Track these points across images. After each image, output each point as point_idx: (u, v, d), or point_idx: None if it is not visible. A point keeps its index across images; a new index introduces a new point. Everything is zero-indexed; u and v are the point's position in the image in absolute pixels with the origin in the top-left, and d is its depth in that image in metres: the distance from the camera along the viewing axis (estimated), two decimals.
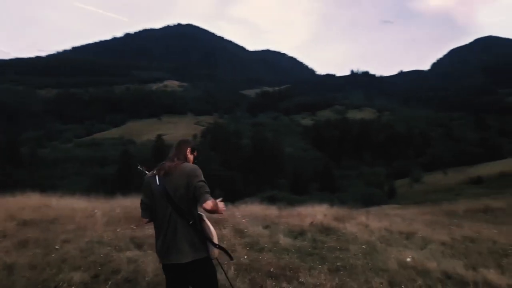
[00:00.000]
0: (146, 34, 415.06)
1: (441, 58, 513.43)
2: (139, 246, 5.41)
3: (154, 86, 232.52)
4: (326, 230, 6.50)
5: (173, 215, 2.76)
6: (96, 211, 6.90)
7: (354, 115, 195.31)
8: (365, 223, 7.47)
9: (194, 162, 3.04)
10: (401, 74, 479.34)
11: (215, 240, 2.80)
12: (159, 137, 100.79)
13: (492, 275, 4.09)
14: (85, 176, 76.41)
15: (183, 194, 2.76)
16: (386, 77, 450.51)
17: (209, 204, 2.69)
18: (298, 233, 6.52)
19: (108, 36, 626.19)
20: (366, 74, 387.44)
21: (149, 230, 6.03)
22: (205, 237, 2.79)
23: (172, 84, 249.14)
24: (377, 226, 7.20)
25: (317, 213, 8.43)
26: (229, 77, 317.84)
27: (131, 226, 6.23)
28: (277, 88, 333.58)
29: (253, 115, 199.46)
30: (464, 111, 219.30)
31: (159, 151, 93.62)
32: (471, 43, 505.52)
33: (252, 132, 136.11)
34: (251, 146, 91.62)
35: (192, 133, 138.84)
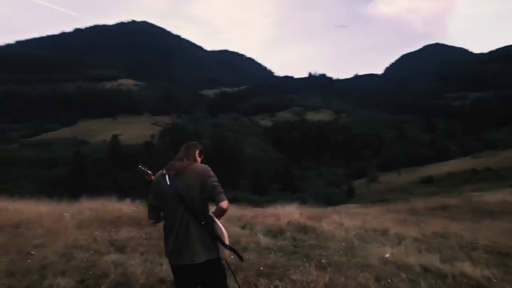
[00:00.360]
0: (98, 30, 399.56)
1: (393, 63, 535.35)
2: (120, 249, 5.26)
3: (108, 85, 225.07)
4: (303, 229, 6.65)
5: (185, 216, 2.75)
6: (65, 214, 6.63)
7: (313, 116, 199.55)
8: (339, 222, 7.74)
9: None
10: (357, 77, 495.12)
11: (226, 241, 2.80)
12: (115, 137, 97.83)
13: (467, 267, 4.40)
14: (33, 179, 72.60)
15: (196, 194, 2.77)
16: (342, 80, 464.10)
17: (225, 203, 2.75)
18: (277, 233, 6.63)
19: (56, 31, 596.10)
20: (323, 76, 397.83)
21: (129, 233, 5.94)
22: (217, 238, 2.79)
23: (127, 82, 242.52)
24: (351, 225, 7.46)
25: (291, 213, 8.59)
26: (187, 77, 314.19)
27: (107, 228, 6.06)
28: (236, 88, 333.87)
29: (213, 115, 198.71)
30: (415, 114, 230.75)
31: (115, 152, 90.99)
32: (420, 49, 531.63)
33: (212, 133, 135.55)
34: (211, 147, 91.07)
35: (149, 134, 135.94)
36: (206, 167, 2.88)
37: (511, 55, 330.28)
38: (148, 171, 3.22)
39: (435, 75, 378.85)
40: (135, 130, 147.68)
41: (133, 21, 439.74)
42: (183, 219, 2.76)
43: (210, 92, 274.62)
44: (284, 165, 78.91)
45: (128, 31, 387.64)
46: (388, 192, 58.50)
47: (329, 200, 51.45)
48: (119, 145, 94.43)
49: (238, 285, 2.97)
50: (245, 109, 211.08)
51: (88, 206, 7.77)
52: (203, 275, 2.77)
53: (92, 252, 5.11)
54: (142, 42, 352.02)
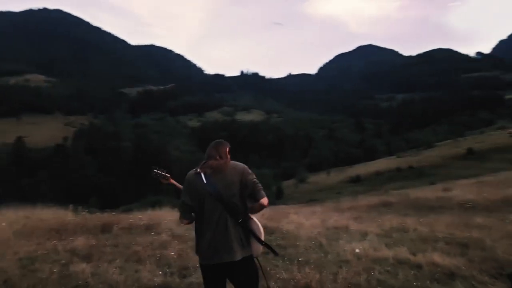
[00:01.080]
0: (1, 18, 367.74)
1: (327, 63, 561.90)
2: (85, 258, 4.92)
3: (12, 80, 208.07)
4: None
5: (223, 214, 2.78)
6: (3, 224, 6.00)
7: (243, 117, 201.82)
8: (299, 221, 7.92)
9: None
10: (290, 76, 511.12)
11: (262, 238, 2.85)
12: (19, 139, 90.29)
13: (436, 257, 4.79)
14: None
15: (235, 192, 2.81)
16: (275, 79, 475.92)
17: (266, 200, 2.84)
18: None
19: None
20: (255, 75, 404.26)
21: (88, 240, 5.55)
22: (253, 234, 2.84)
23: (36, 78, 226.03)
24: (311, 223, 7.69)
25: None
26: (106, 74, 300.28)
27: (60, 237, 5.61)
28: (161, 87, 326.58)
29: (135, 115, 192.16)
30: (345, 114, 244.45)
31: (19, 156, 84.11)
32: (354, 50, 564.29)
33: (134, 134, 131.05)
34: (133, 149, 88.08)
35: (62, 135, 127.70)
36: (243, 164, 2.93)
37: (435, 58, 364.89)
38: (166, 174, 3.22)
39: (366, 76, 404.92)
40: (44, 132, 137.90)
41: (45, 9, 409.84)
42: (221, 217, 2.79)
43: (132, 91, 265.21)
44: None
45: (38, 20, 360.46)
46: (317, 192, 61.08)
47: None
48: (24, 148, 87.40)
49: (267, 283, 3.01)
50: (172, 109, 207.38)
51: (24, 215, 7.15)
52: (238, 273, 2.82)
53: (54, 262, 4.74)
54: (55, 33, 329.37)
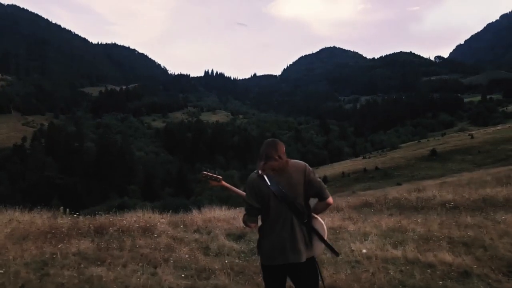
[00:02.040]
0: None
1: (291, 64, 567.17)
2: (95, 261, 4.65)
3: None
4: None
5: (288, 215, 2.74)
6: None
7: (208, 118, 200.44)
8: None
9: None
10: (255, 77, 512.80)
11: (325, 237, 2.82)
12: None
13: (446, 256, 4.83)
14: None
15: (300, 191, 2.75)
16: (240, 80, 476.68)
17: (331, 199, 2.82)
18: (237, 236, 6.46)
19: None
20: (221, 76, 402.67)
21: (92, 244, 5.24)
22: (317, 234, 2.80)
23: None
24: None
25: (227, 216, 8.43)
26: (66, 72, 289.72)
27: (62, 241, 5.26)
28: (124, 86, 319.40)
29: (97, 115, 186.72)
30: (310, 115, 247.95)
31: None
32: (318, 52, 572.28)
33: (97, 135, 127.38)
34: (96, 150, 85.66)
35: (20, 136, 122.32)
36: (304, 163, 2.86)
37: (397, 61, 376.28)
38: (218, 176, 3.07)
39: (330, 77, 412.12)
40: (1, 131, 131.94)
41: None
42: (286, 218, 2.75)
43: (94, 90, 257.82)
44: (177, 168, 77.75)
45: None
46: None
47: (226, 203, 52.07)
48: None
49: (323, 283, 2.92)
50: (135, 109, 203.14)
51: (9, 218, 6.68)
52: (301, 273, 2.80)
53: (67, 266, 4.51)
54: (10, 30, 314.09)
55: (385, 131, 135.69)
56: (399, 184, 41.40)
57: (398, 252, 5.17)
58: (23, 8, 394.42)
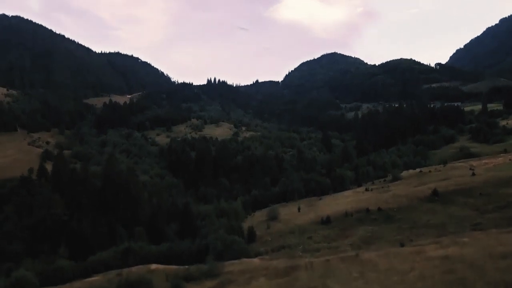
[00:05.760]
0: None
1: (292, 70, 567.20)
2: None
3: None
4: None
5: None
6: None
7: (212, 131, 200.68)
8: None
9: None
10: (257, 84, 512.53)
11: None
12: None
13: None
14: None
15: None
16: (242, 86, 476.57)
17: None
18: None
19: None
20: (223, 84, 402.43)
21: None
22: None
23: None
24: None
25: None
26: (71, 84, 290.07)
27: None
28: (128, 96, 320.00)
29: (101, 131, 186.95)
30: (313, 125, 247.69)
31: None
32: (319, 58, 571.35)
33: (101, 155, 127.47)
34: (102, 181, 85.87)
35: (26, 158, 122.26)
36: None
37: (398, 68, 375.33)
38: None
39: (331, 84, 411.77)
40: (7, 152, 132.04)
41: (4, 15, 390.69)
42: None
43: (98, 101, 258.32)
44: (183, 201, 77.76)
45: None
46: (289, 235, 60.92)
47: (230, 252, 52.00)
48: None
49: None
50: (139, 123, 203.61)
51: None
52: None
53: None
54: (15, 42, 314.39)
55: (387, 149, 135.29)
56: (402, 245, 41.23)
57: None
58: (27, 19, 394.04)
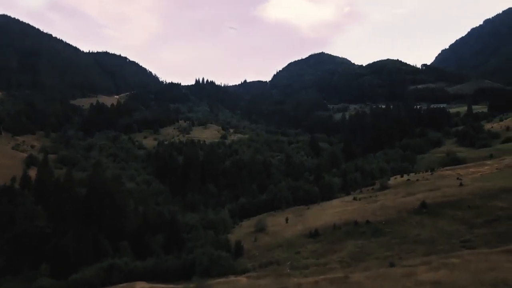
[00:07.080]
0: None
1: (280, 70, 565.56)
2: None
3: None
4: None
5: None
6: None
7: (199, 133, 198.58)
8: None
9: None
10: (245, 84, 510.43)
11: None
12: None
13: None
14: None
15: None
16: (231, 86, 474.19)
17: None
18: None
19: None
20: (211, 84, 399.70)
21: None
22: None
23: None
24: None
25: None
26: (58, 84, 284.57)
27: None
28: (116, 96, 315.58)
29: (88, 134, 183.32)
30: (301, 126, 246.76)
31: None
32: (306, 58, 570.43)
33: (89, 165, 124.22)
34: (87, 190, 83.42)
35: (10, 163, 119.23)
36: None
37: (385, 69, 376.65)
38: None
39: (319, 84, 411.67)
40: None
41: None
42: None
43: (85, 102, 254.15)
44: (170, 215, 75.78)
45: None
46: (277, 248, 59.62)
47: (216, 268, 50.89)
48: None
49: None
50: (126, 125, 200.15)
51: None
52: None
53: None
54: (2, 42, 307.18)
55: (375, 152, 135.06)
56: (392, 265, 40.07)
57: None
58: (14, 18, 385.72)
